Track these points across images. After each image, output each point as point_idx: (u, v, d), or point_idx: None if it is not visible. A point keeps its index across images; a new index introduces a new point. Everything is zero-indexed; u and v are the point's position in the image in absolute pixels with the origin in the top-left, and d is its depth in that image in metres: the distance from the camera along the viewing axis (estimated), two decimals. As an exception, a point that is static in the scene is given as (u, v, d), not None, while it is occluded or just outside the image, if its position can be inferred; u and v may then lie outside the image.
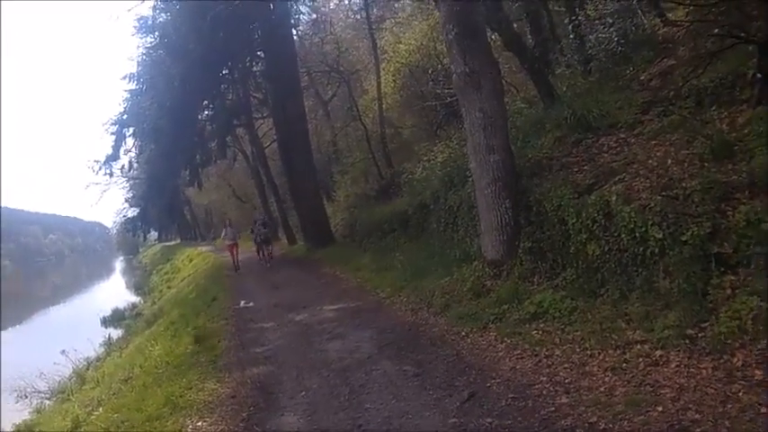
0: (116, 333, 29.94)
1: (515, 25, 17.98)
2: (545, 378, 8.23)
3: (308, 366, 10.97)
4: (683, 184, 9.21)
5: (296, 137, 32.42)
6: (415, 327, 12.39)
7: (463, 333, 11.03)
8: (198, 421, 9.19)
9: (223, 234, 33.66)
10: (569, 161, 12.63)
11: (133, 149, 42.29)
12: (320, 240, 31.25)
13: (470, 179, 14.19)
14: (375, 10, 36.71)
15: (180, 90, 31.71)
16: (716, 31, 11.92)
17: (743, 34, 10.67)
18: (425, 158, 23.56)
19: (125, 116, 38.33)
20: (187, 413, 9.59)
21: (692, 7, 13.77)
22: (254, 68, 38.43)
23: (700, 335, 7.68)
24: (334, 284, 20.03)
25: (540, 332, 9.78)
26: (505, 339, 9.99)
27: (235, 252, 31.19)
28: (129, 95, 38.34)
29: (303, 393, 9.57)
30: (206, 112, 39.34)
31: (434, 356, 10.14)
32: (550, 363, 8.67)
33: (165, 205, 42.84)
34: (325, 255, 27.96)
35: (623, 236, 9.56)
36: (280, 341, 13.52)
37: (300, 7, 38.24)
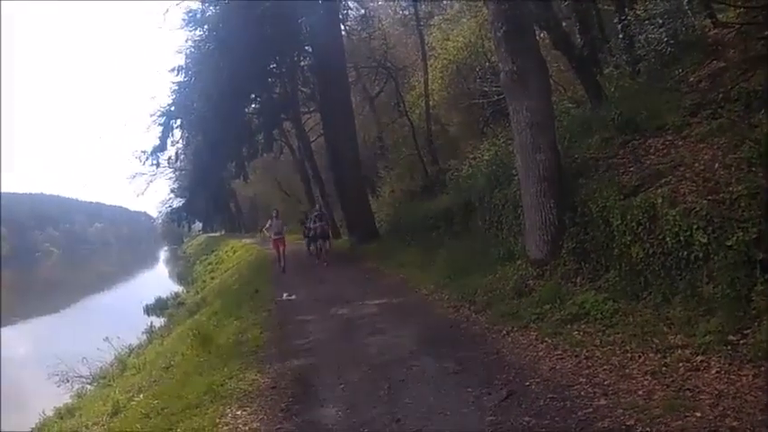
0: (158, 321, 30.30)
1: (564, 24, 17.91)
2: (584, 379, 8.24)
3: (348, 360, 11.07)
4: (730, 189, 9.12)
5: (342, 132, 32.49)
6: (456, 324, 12.48)
7: (504, 332, 11.08)
8: (237, 410, 9.28)
9: (268, 225, 29.41)
10: (616, 162, 12.56)
11: (180, 141, 42.76)
12: (364, 235, 31.26)
13: (516, 178, 14.24)
14: (423, 6, 36.69)
15: (228, 83, 31.89)
16: (767, 33, 11.82)
17: (794, 38, 10.57)
18: (471, 156, 23.63)
19: (173, 108, 38.67)
20: (227, 402, 9.69)
21: (743, 9, 13.68)
22: (302, 63, 38.58)
23: (741, 341, 7.65)
24: (377, 279, 20.15)
25: (581, 333, 9.78)
26: (546, 339, 10.02)
27: (281, 249, 27.70)
28: (176, 87, 38.76)
29: (343, 386, 9.66)
30: (253, 106, 39.66)
31: (475, 354, 10.20)
32: (590, 364, 8.67)
33: (210, 197, 43.35)
34: (368, 250, 28.07)
35: (668, 239, 9.51)
36: (321, 334, 13.65)
37: (348, 2, 38.53)
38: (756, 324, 7.69)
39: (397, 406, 8.44)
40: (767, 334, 7.33)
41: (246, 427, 8.62)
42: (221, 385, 10.50)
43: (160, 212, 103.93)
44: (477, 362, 9.78)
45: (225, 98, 32.48)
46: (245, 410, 9.27)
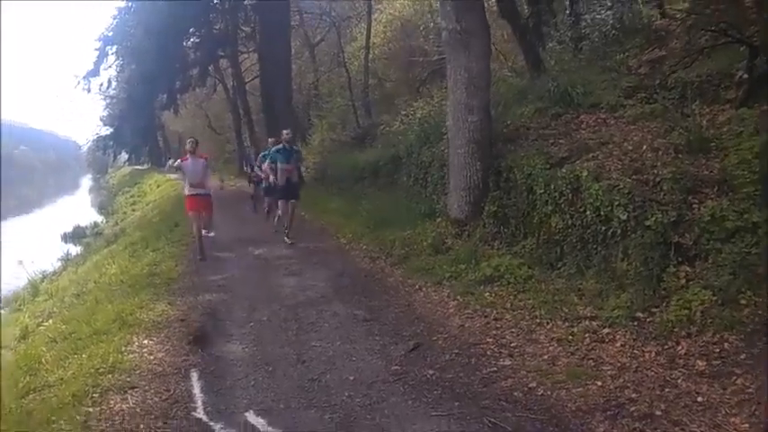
0: (75, 250, 29.80)
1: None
2: (491, 339, 8.35)
3: (260, 299, 11.11)
4: (655, 171, 9.28)
5: (279, 75, 32.17)
6: (371, 274, 12.56)
7: (417, 286, 11.19)
8: (144, 339, 9.16)
9: (176, 163, 16.10)
10: (546, 133, 12.66)
11: (114, 67, 41.93)
12: (291, 181, 30.82)
13: (446, 137, 14.21)
14: (375, -42, 36.35)
15: (168, 13, 31.43)
16: (712, 27, 11.98)
17: (738, 35, 10.73)
18: (404, 112, 23.62)
19: (111, 33, 37.88)
20: (135, 330, 9.55)
21: (691, 2, 13.86)
22: (245, 1, 37.93)
23: (648, 319, 7.80)
24: (298, 224, 20.05)
25: (493, 295, 9.88)
26: (458, 297, 10.10)
27: (203, 215, 15.86)
28: (117, 13, 37.95)
29: (252, 324, 9.67)
30: (192, 40, 39.00)
31: (386, 305, 10.31)
32: (499, 326, 8.78)
33: (139, 127, 42.59)
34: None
35: (588, 212, 9.65)
36: (236, 272, 13.66)
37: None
38: (665, 304, 7.85)
39: (304, 347, 8.46)
40: (674, 315, 7.47)
41: (152, 356, 8.51)
42: (131, 314, 10.33)
43: (87, 140, 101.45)
44: (388, 313, 9.87)
45: (164, 29, 32.05)
46: (151, 340, 9.16)
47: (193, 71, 39.20)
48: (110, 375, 7.69)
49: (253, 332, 9.32)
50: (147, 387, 7.35)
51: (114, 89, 52.16)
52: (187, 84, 40.06)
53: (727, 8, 11.93)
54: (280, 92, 32.02)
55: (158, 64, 33.82)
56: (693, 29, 12.94)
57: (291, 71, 34.43)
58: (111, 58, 39.52)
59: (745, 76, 10.36)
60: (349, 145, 30.07)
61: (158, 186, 52.18)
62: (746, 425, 5.45)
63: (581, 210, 9.87)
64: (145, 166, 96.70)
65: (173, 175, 56.18)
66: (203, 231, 15.78)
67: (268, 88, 33.09)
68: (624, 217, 8.97)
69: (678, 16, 14.18)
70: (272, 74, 32.48)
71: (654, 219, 8.53)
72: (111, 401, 6.96)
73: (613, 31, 15.80)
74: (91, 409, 6.79)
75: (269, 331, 9.31)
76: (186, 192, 15.45)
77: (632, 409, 6.05)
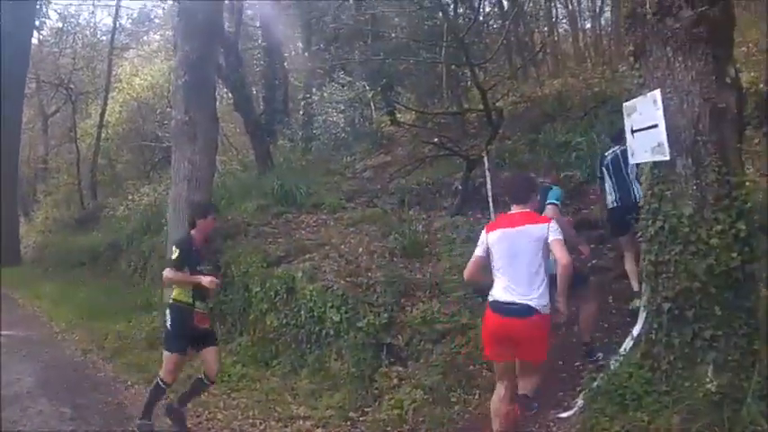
0: None
1: (254, 90, 18.23)
2: (204, 442, 8.15)
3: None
4: (369, 274, 9.76)
5: (5, 145, 30.41)
6: (81, 368, 11.88)
7: (130, 383, 10.70)
8: None
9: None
10: (266, 231, 12.93)
11: None
12: (5, 258, 28.98)
13: (166, 228, 14.03)
14: (123, 36, 36.77)
15: None
16: (435, 140, 12.71)
17: (456, 148, 11.44)
18: (131, 198, 23.17)
19: None
20: None
21: (418, 114, 14.65)
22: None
23: (361, 418, 8.02)
24: (7, 309, 18.83)
25: (206, 394, 9.56)
26: (169, 396, 9.82)
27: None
28: None
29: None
30: None
31: (95, 402, 9.80)
32: (210, 426, 8.65)
33: None
34: (6, 274, 25.94)
35: (302, 312, 9.90)
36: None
37: (50, 12, 36.99)
38: (377, 403, 8.14)
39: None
40: (386, 414, 7.74)
41: None
42: None
43: None
44: (96, 411, 9.41)
45: None
46: None
47: None
48: None
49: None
50: None
51: None
52: None
53: (449, 123, 12.75)
54: (6, 163, 30.20)
55: None
56: (417, 139, 13.69)
57: (20, 141, 32.58)
58: None
59: (460, 186, 11.04)
60: (72, 226, 29.14)
61: None
62: None
63: (296, 309, 10.09)
64: None
65: None
66: None
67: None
68: (337, 318, 9.28)
69: (406, 126, 14.92)
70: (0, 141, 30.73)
71: (366, 320, 8.91)
72: None
73: (344, 134, 16.35)
74: None
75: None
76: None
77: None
